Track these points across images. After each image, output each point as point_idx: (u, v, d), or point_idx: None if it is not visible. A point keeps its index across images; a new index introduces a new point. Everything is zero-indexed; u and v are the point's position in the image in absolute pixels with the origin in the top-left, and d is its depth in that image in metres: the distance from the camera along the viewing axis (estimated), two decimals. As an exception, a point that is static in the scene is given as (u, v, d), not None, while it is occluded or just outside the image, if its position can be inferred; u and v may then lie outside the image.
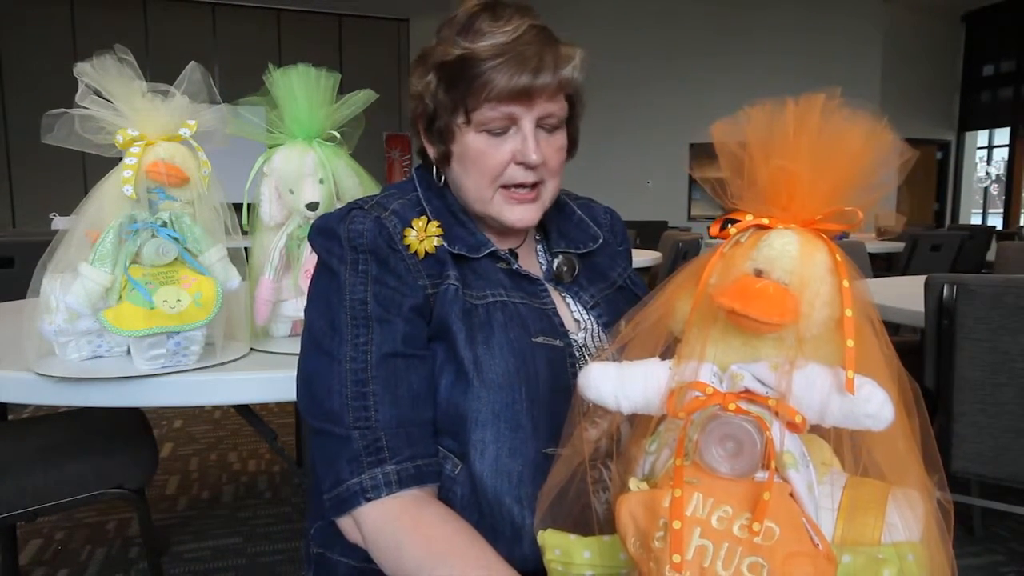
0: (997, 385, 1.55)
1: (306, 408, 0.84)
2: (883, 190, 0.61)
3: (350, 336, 0.81)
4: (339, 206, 1.07)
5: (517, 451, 0.81)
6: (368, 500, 0.77)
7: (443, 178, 0.93)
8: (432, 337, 0.85)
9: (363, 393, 0.80)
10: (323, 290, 0.86)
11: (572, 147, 0.94)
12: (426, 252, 0.85)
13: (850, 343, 0.57)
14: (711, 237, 0.69)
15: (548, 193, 0.91)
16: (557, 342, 0.87)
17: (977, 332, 1.55)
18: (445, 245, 0.87)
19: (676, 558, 0.53)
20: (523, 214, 0.89)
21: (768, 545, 0.52)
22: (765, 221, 0.63)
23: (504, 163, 0.86)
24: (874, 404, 0.56)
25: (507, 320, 0.85)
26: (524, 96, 0.83)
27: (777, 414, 0.57)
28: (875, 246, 4.92)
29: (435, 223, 0.87)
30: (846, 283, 0.60)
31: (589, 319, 0.94)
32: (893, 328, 2.97)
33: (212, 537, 2.33)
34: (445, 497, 0.82)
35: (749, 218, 0.64)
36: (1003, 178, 12.00)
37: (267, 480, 2.81)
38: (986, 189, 12.70)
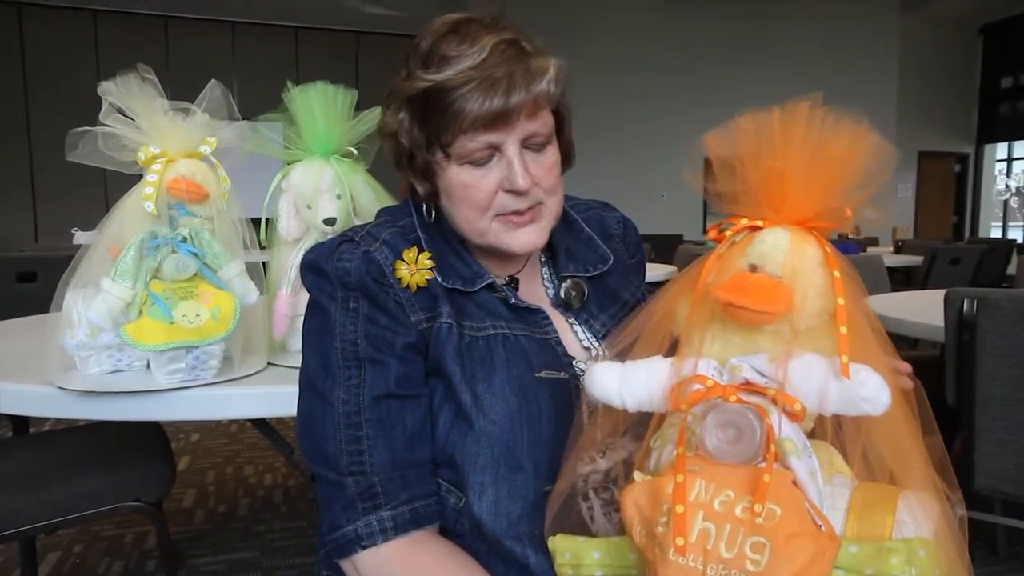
0: (1020, 400, 1.53)
1: (304, 450, 0.83)
2: (871, 189, 0.63)
3: (342, 378, 0.79)
4: (357, 222, 1.07)
5: (516, 493, 0.78)
6: (364, 548, 0.77)
7: (433, 214, 0.87)
8: (430, 373, 0.82)
9: (357, 437, 0.78)
10: (316, 329, 0.84)
11: (568, 158, 0.89)
12: (418, 286, 0.81)
13: (843, 329, 0.59)
14: (710, 241, 0.71)
15: (550, 212, 0.85)
16: (562, 374, 0.84)
17: (998, 347, 1.53)
18: (438, 279, 0.82)
19: (680, 540, 0.54)
20: (527, 238, 0.83)
21: (770, 526, 0.53)
22: (759, 223, 0.66)
23: (492, 193, 0.81)
24: (870, 388, 0.57)
25: (509, 355, 0.82)
26: (501, 120, 0.77)
27: (776, 403, 0.58)
28: (893, 260, 4.88)
29: (426, 254, 0.83)
30: (837, 273, 0.62)
31: (600, 347, 0.90)
32: (912, 342, 2.94)
33: (228, 551, 2.33)
34: (453, 529, 0.81)
35: (744, 221, 0.67)
36: (1022, 191, 11.87)
37: (283, 494, 2.81)
38: (1005, 202, 12.55)
